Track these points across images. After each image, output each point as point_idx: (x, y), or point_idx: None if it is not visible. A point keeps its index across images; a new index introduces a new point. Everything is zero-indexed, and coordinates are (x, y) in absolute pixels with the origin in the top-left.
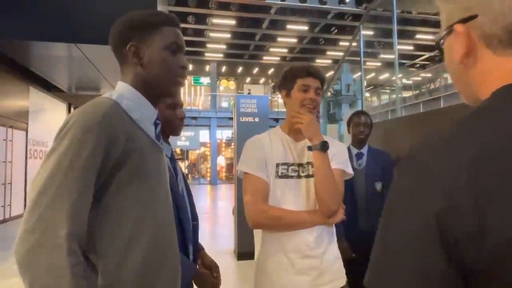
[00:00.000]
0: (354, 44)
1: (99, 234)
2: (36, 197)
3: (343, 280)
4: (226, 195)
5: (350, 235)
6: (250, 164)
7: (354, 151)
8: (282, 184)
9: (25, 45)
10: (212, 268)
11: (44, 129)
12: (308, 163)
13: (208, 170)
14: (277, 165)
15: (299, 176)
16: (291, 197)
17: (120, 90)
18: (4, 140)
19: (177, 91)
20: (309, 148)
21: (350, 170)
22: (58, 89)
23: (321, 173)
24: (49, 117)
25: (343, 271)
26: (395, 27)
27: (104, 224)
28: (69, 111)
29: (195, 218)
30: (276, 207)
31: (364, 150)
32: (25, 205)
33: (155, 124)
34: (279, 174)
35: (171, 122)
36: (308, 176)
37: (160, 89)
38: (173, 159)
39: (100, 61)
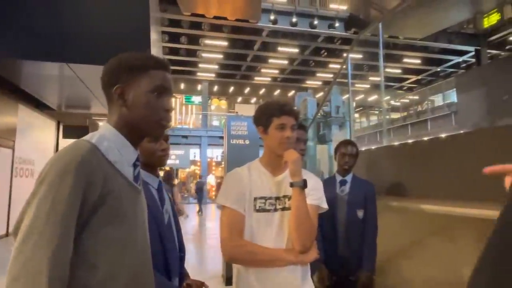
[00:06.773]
0: (344, 67)
1: (74, 275)
2: (20, 245)
3: None
4: (215, 215)
5: (329, 261)
6: (228, 197)
7: (339, 177)
8: (259, 218)
9: (15, 63)
10: (198, 284)
11: (32, 147)
12: (284, 196)
13: None
14: (255, 199)
15: (275, 209)
16: (267, 231)
17: (102, 132)
18: None
19: (161, 133)
20: (291, 185)
21: (325, 205)
22: (48, 106)
23: (299, 210)
24: (37, 135)
25: None
26: (381, 51)
27: (79, 266)
28: (58, 128)
29: (182, 249)
30: (251, 243)
31: (348, 177)
32: (7, 225)
33: (135, 166)
34: (257, 208)
35: (153, 154)
36: (284, 209)
37: (143, 131)
38: (160, 190)
39: (91, 81)
